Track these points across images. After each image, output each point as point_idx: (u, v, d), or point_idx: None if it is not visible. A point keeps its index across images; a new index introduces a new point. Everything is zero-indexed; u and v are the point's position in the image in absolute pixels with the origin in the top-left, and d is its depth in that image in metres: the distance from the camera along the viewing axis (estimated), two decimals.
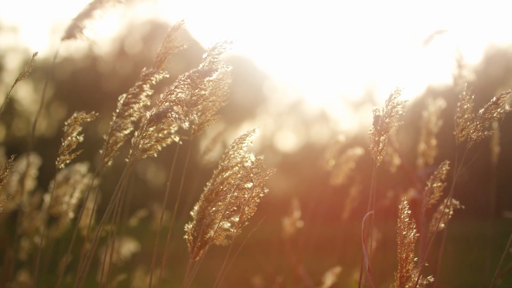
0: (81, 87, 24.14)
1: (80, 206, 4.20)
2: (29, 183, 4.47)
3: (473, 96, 3.00)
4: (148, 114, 2.83)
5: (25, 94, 23.73)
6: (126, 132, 3.04)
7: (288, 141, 26.54)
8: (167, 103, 2.81)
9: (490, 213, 4.71)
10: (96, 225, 3.36)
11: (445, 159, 3.22)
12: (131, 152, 2.93)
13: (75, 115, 3.04)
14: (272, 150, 25.42)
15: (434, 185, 3.12)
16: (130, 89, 3.00)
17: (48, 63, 22.44)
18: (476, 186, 17.29)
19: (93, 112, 3.04)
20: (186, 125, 2.77)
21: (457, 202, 3.16)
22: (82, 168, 4.15)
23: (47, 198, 4.09)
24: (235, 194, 2.88)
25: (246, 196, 2.87)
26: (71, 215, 3.95)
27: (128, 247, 5.28)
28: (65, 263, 4.31)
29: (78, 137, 3.03)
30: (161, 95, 2.84)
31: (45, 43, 25.23)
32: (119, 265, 4.96)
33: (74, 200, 4.00)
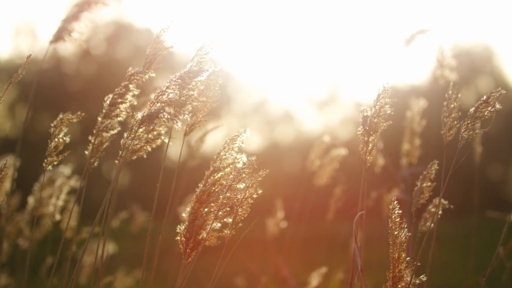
0: (46, 88, 23.92)
1: (64, 208, 4.17)
2: (8, 185, 4.42)
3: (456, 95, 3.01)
4: (139, 115, 2.81)
5: None
6: (114, 132, 3.02)
7: (253, 141, 26.56)
8: (159, 104, 2.80)
9: (474, 212, 4.74)
10: (78, 227, 3.34)
11: (426, 158, 3.23)
12: (120, 153, 2.91)
13: (60, 116, 3.01)
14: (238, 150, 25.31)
15: (424, 185, 3.13)
16: (116, 89, 2.98)
17: (12, 65, 22.23)
18: (456, 185, 17.45)
19: (79, 113, 3.01)
20: (178, 125, 2.75)
21: (446, 202, 3.17)
22: (66, 169, 4.12)
23: (31, 199, 4.06)
24: (228, 194, 2.87)
25: (239, 197, 2.87)
26: (57, 217, 3.92)
27: (108, 248, 5.25)
28: (50, 265, 4.28)
29: (64, 138, 3.00)
30: (153, 96, 2.83)
31: (8, 44, 25.01)
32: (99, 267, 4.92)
33: (59, 202, 3.96)
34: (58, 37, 3.67)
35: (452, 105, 3.00)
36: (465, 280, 4.75)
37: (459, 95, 3.02)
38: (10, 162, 2.74)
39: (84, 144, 3.11)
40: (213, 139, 4.54)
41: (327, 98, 25.89)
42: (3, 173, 2.70)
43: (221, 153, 3.00)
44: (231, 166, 2.97)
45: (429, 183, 3.12)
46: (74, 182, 4.05)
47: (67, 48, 24.91)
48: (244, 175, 2.87)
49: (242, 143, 3.00)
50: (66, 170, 4.10)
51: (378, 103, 2.95)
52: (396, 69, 4.92)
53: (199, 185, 2.95)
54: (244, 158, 2.97)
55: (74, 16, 3.67)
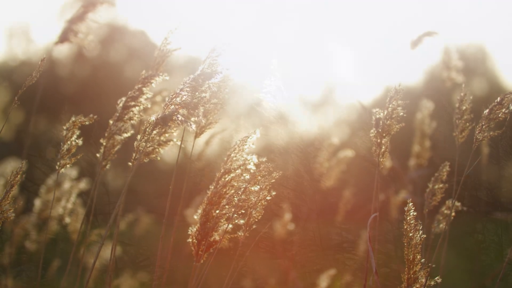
0: (40, 91, 23.79)
1: (72, 211, 4.16)
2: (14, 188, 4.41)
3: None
4: (153, 117, 2.80)
5: None
6: (127, 135, 3.01)
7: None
8: (172, 106, 2.79)
9: (480, 213, 4.74)
10: (85, 229, 3.33)
11: (433, 160, 3.22)
12: (134, 155, 2.90)
13: (73, 119, 3.00)
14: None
15: (436, 186, 3.13)
16: (130, 92, 2.97)
17: (7, 67, 22.14)
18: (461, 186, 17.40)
19: (91, 115, 3.00)
20: (193, 127, 2.75)
21: (459, 204, 3.17)
22: (72, 172, 4.10)
23: (38, 202, 4.04)
24: (243, 197, 2.86)
25: (252, 199, 2.85)
26: (67, 220, 3.90)
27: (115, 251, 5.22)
28: (57, 268, 4.26)
29: (77, 141, 2.99)
30: (166, 98, 2.82)
31: (2, 46, 24.88)
32: (103, 270, 4.91)
33: (69, 205, 3.95)
34: (64, 38, 3.66)
35: (464, 107, 3.00)
36: (471, 282, 4.75)
37: (471, 97, 3.02)
38: (22, 167, 2.71)
39: (81, 147, 3.09)
40: (206, 140, 4.52)
41: (323, 100, 25.82)
42: (18, 177, 2.68)
43: (232, 155, 2.99)
44: (241, 167, 2.96)
45: (441, 185, 3.11)
46: (83, 185, 4.03)
47: (62, 50, 24.82)
48: (260, 177, 2.85)
49: (253, 144, 3.00)
50: (72, 172, 4.09)
51: (390, 105, 2.94)
52: (401, 71, 4.92)
53: (210, 186, 2.93)
54: (254, 159, 2.96)
55: (79, 17, 3.66)
